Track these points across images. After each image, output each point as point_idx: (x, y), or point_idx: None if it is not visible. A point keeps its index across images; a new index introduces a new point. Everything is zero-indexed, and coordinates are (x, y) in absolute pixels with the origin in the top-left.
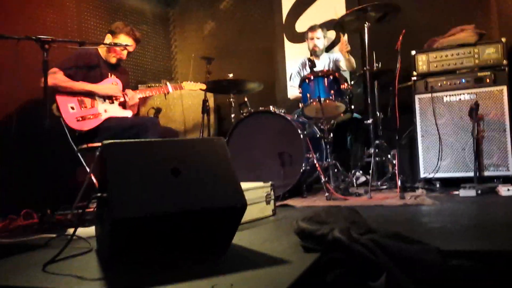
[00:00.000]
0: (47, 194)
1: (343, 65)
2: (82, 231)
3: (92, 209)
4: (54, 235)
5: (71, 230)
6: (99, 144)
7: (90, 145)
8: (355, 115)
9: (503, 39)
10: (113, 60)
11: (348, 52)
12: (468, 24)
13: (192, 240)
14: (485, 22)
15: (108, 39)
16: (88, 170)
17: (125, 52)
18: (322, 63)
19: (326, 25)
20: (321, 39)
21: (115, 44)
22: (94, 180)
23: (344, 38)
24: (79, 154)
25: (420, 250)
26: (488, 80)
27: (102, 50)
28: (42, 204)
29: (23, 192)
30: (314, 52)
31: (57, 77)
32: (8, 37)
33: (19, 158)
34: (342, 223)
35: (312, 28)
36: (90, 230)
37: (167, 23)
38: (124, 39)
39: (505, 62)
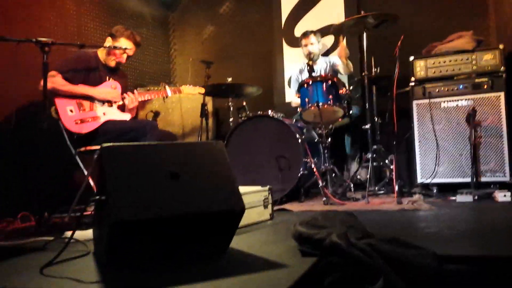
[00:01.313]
0: (45, 197)
1: (340, 69)
2: (80, 234)
3: (89, 212)
4: (51, 238)
5: (68, 233)
6: (98, 147)
7: (89, 148)
8: (354, 111)
9: (501, 46)
10: (112, 64)
11: (347, 57)
12: (466, 31)
13: (190, 243)
14: (483, 29)
15: (108, 42)
16: (86, 172)
17: (124, 56)
18: (319, 67)
19: (323, 31)
20: (315, 44)
21: (115, 47)
22: (92, 183)
23: (343, 42)
24: (77, 157)
25: (417, 255)
26: (485, 86)
27: (101, 53)
28: (39, 206)
29: (20, 194)
30: (310, 58)
31: (55, 81)
32: (8, 39)
33: (17, 160)
34: (340, 227)
35: (305, 34)
36: (88, 233)
37: (166, 27)
38: (124, 42)
39: (502, 68)
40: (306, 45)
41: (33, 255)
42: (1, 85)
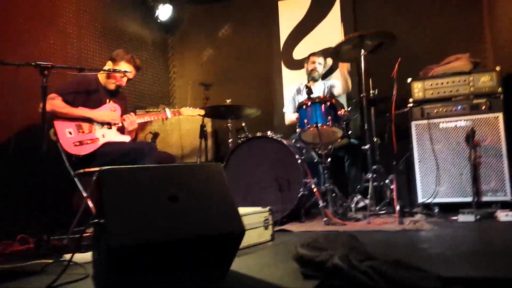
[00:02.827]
0: (44, 219)
1: (338, 89)
2: (79, 257)
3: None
4: (50, 261)
5: (67, 256)
6: (96, 168)
7: (87, 170)
8: (352, 140)
9: (497, 68)
10: (112, 87)
11: (348, 71)
12: (463, 53)
13: (190, 267)
14: (480, 51)
15: (109, 65)
16: (85, 195)
17: (124, 79)
18: (318, 90)
19: (324, 54)
20: (322, 64)
21: (114, 71)
22: (91, 205)
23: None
24: (76, 179)
25: (420, 277)
26: (483, 107)
27: (101, 76)
28: (38, 229)
29: (19, 216)
30: (312, 77)
31: (55, 103)
32: (7, 64)
33: (15, 182)
34: (341, 249)
35: (314, 54)
36: (87, 256)
37: (166, 50)
38: (124, 66)
39: (499, 90)
40: (313, 62)
41: (31, 278)
42: (0, 108)
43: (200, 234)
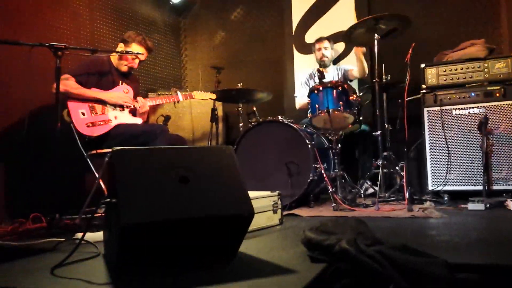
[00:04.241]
0: (56, 198)
1: (354, 72)
2: (90, 236)
3: (100, 214)
4: (62, 239)
5: (79, 235)
6: (109, 150)
7: (99, 151)
8: (363, 127)
9: None
10: (124, 68)
11: (363, 53)
12: (478, 39)
13: (199, 247)
14: (495, 37)
15: (121, 47)
16: (97, 175)
17: (136, 61)
18: (330, 76)
19: (335, 37)
20: (328, 49)
21: (127, 52)
22: (103, 186)
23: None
24: (88, 160)
25: (427, 263)
26: (497, 94)
27: (114, 58)
28: (50, 208)
29: (32, 195)
30: (322, 63)
31: (68, 84)
32: (22, 44)
33: (29, 162)
34: (349, 234)
35: (319, 40)
36: (98, 235)
37: (178, 33)
38: (136, 48)
39: None
40: (319, 49)
41: (44, 256)
42: (15, 89)
43: (209, 215)
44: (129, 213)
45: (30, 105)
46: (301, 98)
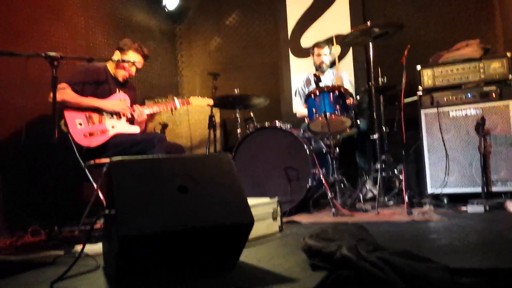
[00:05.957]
0: (55, 210)
1: (346, 82)
2: (89, 248)
3: (99, 226)
4: (61, 252)
5: (78, 247)
6: (107, 160)
7: (98, 161)
8: (362, 126)
9: (508, 54)
10: (121, 78)
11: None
12: (473, 39)
13: (199, 257)
14: (490, 37)
15: (117, 55)
16: (95, 186)
17: (133, 69)
18: (327, 79)
19: (331, 41)
20: (327, 55)
21: (123, 61)
22: (102, 197)
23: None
24: (86, 170)
25: (428, 268)
26: (493, 95)
27: (110, 66)
28: (49, 220)
29: (30, 208)
30: (320, 68)
31: (65, 93)
32: (17, 54)
33: (26, 173)
34: (350, 240)
35: (319, 45)
36: (97, 247)
37: (173, 39)
38: (132, 55)
39: (510, 76)
40: (319, 55)
41: (43, 270)
42: (11, 99)
43: (209, 224)
44: (127, 225)
45: (27, 116)
46: (299, 106)
